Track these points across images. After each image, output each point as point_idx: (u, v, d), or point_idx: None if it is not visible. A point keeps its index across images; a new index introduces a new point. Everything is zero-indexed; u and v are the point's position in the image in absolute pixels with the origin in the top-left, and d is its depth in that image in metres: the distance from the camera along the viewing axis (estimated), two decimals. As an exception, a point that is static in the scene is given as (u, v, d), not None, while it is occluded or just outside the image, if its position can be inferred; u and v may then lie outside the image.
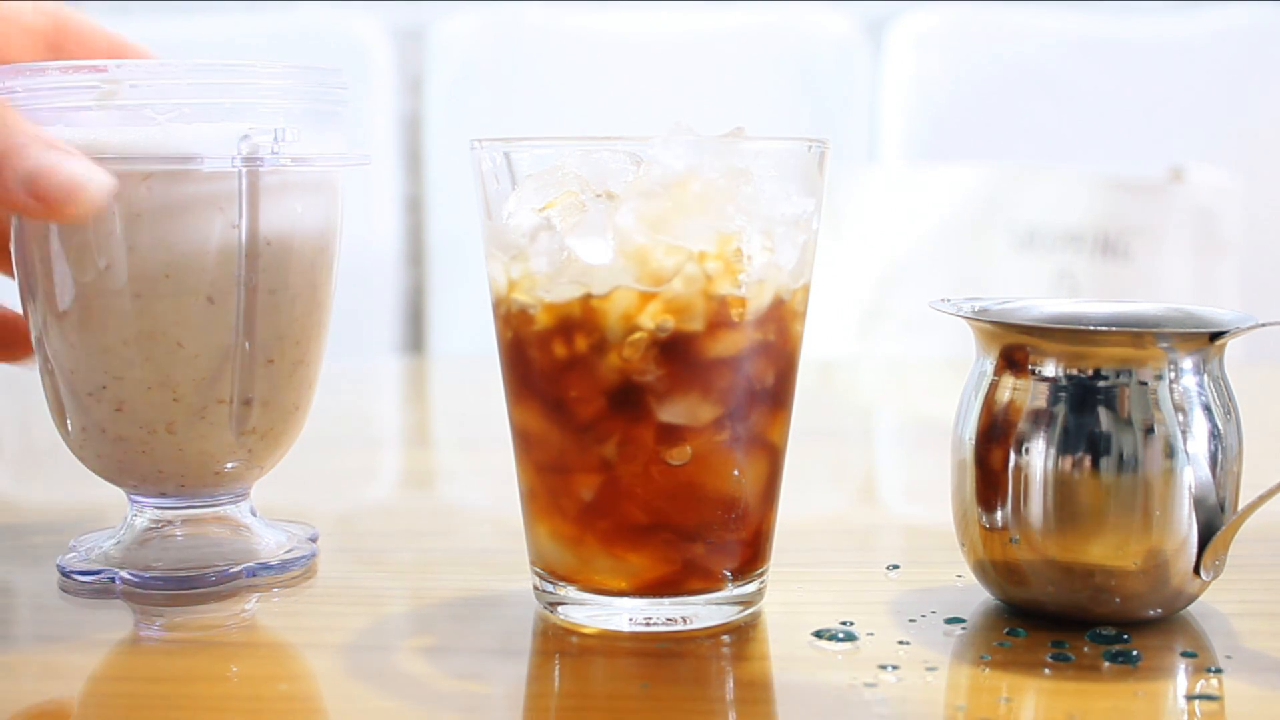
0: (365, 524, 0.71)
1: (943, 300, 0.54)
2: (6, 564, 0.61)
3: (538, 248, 0.49)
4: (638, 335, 0.48)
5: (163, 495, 0.57)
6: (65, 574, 0.57)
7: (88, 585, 0.56)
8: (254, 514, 0.60)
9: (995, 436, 0.50)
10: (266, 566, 0.57)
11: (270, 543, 0.59)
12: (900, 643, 0.49)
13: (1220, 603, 0.53)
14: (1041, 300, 0.55)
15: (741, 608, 0.51)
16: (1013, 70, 1.78)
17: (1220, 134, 1.74)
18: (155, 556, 0.56)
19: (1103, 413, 0.49)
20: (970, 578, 0.54)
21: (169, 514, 0.58)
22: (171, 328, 0.53)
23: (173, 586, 0.55)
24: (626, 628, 0.50)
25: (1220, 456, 0.49)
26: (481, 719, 0.45)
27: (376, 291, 1.79)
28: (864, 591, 0.55)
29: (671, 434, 0.48)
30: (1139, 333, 0.49)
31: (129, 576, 0.55)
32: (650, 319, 0.48)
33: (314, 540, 0.61)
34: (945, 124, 1.78)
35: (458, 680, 0.48)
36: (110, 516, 0.65)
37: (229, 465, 0.57)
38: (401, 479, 0.86)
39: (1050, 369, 0.50)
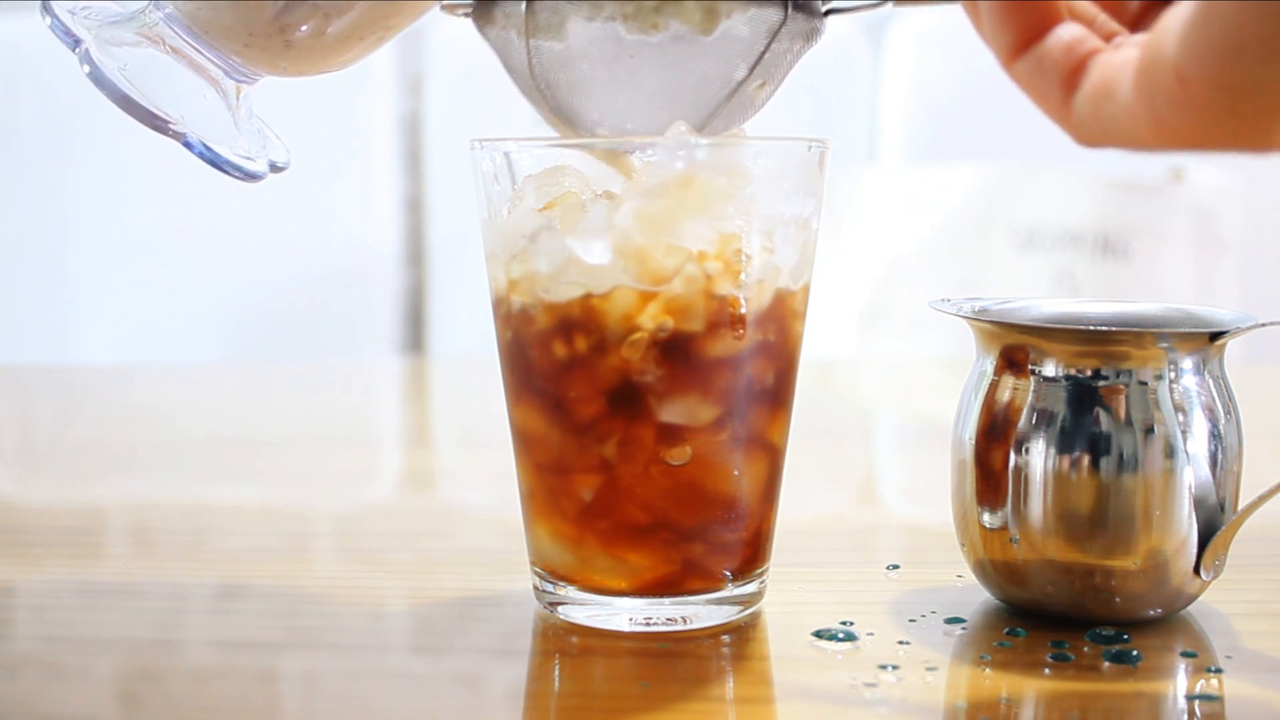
0: (365, 524, 0.71)
1: (943, 300, 0.54)
2: (6, 564, 0.61)
3: (538, 248, 0.49)
4: (638, 335, 0.48)
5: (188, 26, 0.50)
6: (46, 10, 0.49)
7: (53, 31, 0.49)
8: (249, 109, 0.52)
9: (995, 436, 0.50)
10: (206, 150, 0.49)
11: (237, 140, 0.51)
12: (900, 643, 0.49)
13: (1220, 603, 0.53)
14: (1041, 300, 0.55)
15: (741, 608, 0.51)
16: (1013, 70, 1.78)
17: (1220, 134, 1.74)
18: (129, 60, 0.49)
19: (1102, 413, 0.49)
20: (970, 578, 0.54)
21: (179, 42, 0.50)
22: None
23: (114, 97, 0.48)
24: (626, 627, 0.50)
25: (1220, 456, 0.49)
26: (481, 719, 0.45)
27: (376, 292, 1.79)
28: (864, 591, 0.55)
29: (671, 434, 0.48)
30: (1139, 333, 0.49)
31: (93, 55, 0.48)
32: (650, 319, 0.48)
33: (275, 169, 0.52)
34: (945, 124, 1.78)
35: (458, 680, 0.48)
36: (109, 515, 0.65)
37: (253, 37, 0.49)
38: (401, 479, 0.86)
39: (1050, 369, 0.50)
